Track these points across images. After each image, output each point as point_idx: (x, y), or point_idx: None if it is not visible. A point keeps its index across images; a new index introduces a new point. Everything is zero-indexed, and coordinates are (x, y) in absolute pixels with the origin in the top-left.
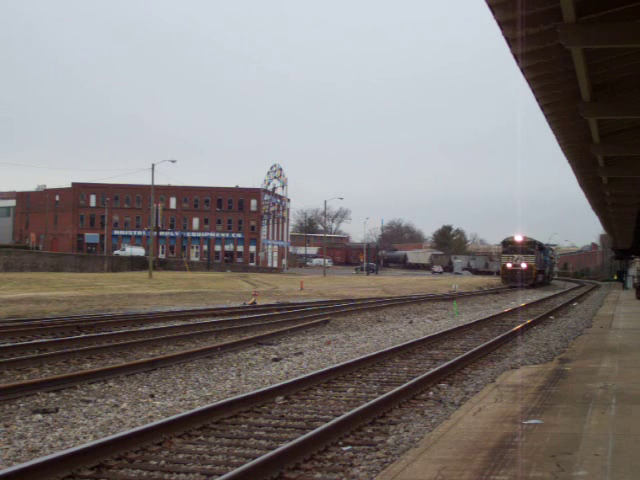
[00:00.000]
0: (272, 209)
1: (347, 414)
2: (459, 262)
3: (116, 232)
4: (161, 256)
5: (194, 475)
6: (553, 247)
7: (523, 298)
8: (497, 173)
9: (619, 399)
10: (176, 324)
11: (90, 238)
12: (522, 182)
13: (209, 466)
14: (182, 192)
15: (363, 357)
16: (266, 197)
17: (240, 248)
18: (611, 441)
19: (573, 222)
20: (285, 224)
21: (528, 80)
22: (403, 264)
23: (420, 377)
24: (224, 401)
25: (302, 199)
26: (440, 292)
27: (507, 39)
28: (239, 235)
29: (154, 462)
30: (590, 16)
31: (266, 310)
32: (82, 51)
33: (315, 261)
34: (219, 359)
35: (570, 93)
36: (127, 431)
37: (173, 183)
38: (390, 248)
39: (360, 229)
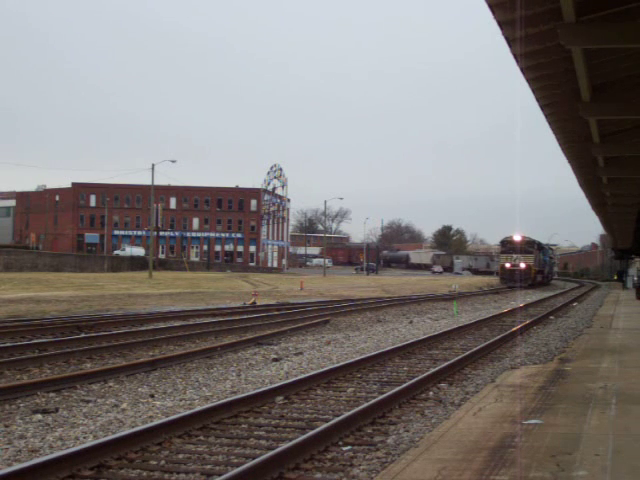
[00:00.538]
0: (272, 209)
1: (347, 414)
2: (460, 262)
3: (116, 232)
4: (161, 256)
5: (194, 475)
6: (553, 247)
7: (523, 298)
8: (497, 173)
9: (619, 399)
10: (176, 324)
11: (90, 238)
12: (522, 182)
13: (209, 466)
14: (182, 192)
15: (363, 357)
16: (266, 197)
17: (240, 248)
18: (611, 441)
19: (573, 222)
20: (285, 224)
21: (528, 80)
22: (405, 264)
23: (420, 377)
24: (224, 401)
25: (302, 199)
26: (440, 292)
27: (507, 39)
28: (239, 235)
29: (154, 462)
30: (590, 16)
31: (266, 310)
32: (84, 51)
33: (315, 261)
34: (219, 359)
35: (570, 93)
36: (127, 431)
37: (173, 183)
38: (392, 248)
39: (360, 229)
